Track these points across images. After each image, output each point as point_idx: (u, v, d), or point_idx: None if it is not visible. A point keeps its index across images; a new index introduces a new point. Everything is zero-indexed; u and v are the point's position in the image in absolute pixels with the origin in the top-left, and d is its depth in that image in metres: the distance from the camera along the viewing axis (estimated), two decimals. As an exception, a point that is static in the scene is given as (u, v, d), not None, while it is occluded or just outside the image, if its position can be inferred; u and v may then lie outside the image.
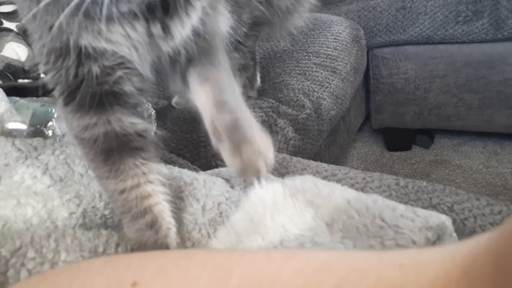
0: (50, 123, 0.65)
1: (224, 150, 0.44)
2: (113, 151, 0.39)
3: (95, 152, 0.40)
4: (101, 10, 0.34)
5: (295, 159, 0.61)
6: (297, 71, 1.05)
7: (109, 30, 0.37)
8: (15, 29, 0.84)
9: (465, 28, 1.31)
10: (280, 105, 0.91)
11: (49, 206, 0.41)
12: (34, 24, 0.37)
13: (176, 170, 0.49)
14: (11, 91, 0.70)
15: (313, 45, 1.18)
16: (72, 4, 0.32)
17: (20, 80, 0.80)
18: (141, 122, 0.41)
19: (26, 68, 0.81)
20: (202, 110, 0.45)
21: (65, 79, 0.38)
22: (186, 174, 0.48)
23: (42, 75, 0.82)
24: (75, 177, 0.45)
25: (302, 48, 1.17)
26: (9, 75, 0.78)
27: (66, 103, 0.40)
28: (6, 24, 0.84)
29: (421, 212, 0.41)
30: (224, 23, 0.50)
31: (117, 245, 0.39)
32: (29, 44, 0.82)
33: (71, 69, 0.38)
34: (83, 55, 0.37)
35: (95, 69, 0.38)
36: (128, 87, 0.40)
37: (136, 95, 0.42)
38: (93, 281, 0.27)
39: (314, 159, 0.85)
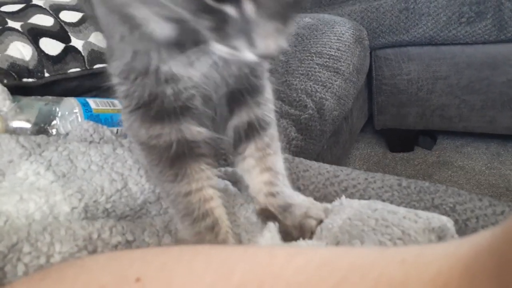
0: (54, 122, 0.65)
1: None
2: (181, 157, 0.41)
3: (163, 158, 0.41)
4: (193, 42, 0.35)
5: (297, 159, 0.61)
6: (300, 71, 1.06)
7: (198, 59, 0.38)
8: (19, 29, 0.84)
9: (468, 29, 1.31)
10: (283, 105, 0.91)
11: (51, 201, 0.41)
12: (120, 44, 0.39)
13: None
14: (15, 90, 0.71)
15: (316, 46, 1.18)
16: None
17: (25, 79, 0.80)
18: (206, 131, 0.43)
19: (30, 67, 0.81)
20: (253, 192, 0.47)
21: (139, 95, 0.40)
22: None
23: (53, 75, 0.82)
24: (77, 172, 0.45)
25: (305, 48, 1.17)
26: (13, 74, 0.78)
27: (132, 110, 0.41)
28: (11, 23, 0.84)
29: (423, 214, 0.41)
30: None
31: (112, 227, 0.39)
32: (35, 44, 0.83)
33: (147, 88, 0.39)
34: (161, 79, 0.39)
35: (170, 90, 0.40)
36: (198, 102, 0.42)
37: (202, 106, 0.43)
38: (97, 277, 0.27)
39: (316, 160, 0.85)
